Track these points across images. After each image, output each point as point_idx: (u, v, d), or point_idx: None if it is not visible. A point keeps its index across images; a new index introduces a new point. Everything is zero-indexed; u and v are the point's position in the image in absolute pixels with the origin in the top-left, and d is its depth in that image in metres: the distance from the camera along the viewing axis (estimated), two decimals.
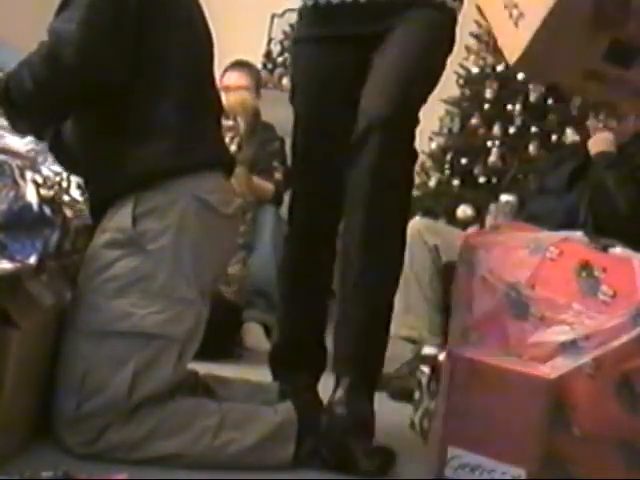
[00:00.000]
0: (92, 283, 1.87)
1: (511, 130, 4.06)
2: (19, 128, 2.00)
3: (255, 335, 3.31)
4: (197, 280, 1.92)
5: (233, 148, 3.09)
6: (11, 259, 1.69)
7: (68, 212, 1.88)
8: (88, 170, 1.99)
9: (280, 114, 4.08)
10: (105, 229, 1.90)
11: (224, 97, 3.17)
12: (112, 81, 1.88)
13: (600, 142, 2.95)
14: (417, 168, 4.33)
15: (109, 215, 1.92)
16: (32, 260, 1.72)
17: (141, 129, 1.92)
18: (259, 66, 4.65)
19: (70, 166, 2.06)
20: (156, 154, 1.91)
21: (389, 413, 2.67)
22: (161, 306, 1.86)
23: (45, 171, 1.91)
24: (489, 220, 2.90)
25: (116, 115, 1.93)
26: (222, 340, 2.96)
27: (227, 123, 3.12)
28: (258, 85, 3.96)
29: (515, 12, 1.94)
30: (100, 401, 1.81)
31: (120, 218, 1.88)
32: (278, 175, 3.79)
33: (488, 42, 4.26)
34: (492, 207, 3.15)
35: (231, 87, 3.77)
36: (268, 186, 3.79)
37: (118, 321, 1.83)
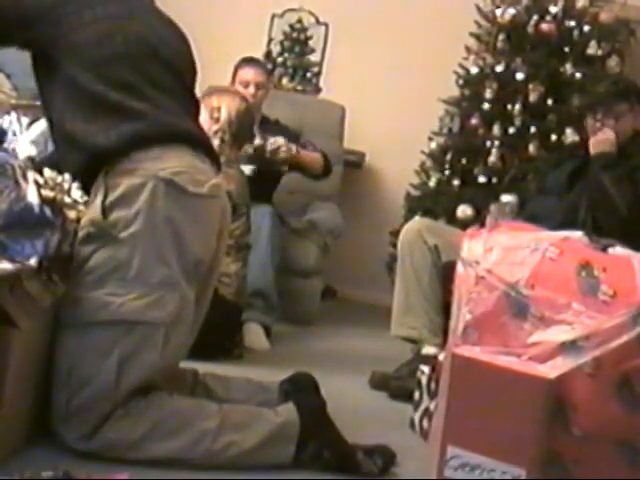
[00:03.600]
0: (74, 280, 1.89)
1: (511, 130, 4.05)
2: None
3: (255, 335, 3.31)
4: (178, 262, 1.92)
5: (215, 142, 3.06)
6: (11, 260, 1.69)
7: (70, 213, 1.88)
8: (57, 146, 2.03)
9: (280, 114, 4.11)
10: (82, 226, 1.91)
11: (214, 97, 3.19)
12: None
13: (600, 143, 2.95)
14: (417, 168, 4.40)
15: (85, 211, 1.93)
16: (32, 261, 1.72)
17: (88, 109, 1.95)
18: None
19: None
20: (113, 127, 1.93)
21: (389, 413, 2.68)
22: (140, 292, 1.86)
23: (47, 172, 1.92)
24: (489, 220, 2.89)
25: (75, 96, 1.97)
26: (222, 340, 2.96)
27: (214, 116, 3.13)
28: (269, 82, 4.04)
29: None
30: (88, 393, 1.82)
31: (91, 212, 1.90)
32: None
33: (488, 42, 4.26)
34: (492, 207, 3.15)
35: (250, 82, 3.82)
36: (316, 155, 3.83)
37: (97, 311, 1.84)
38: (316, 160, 3.85)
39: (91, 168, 1.93)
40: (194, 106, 2.22)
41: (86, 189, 1.99)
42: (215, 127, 3.10)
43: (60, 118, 1.99)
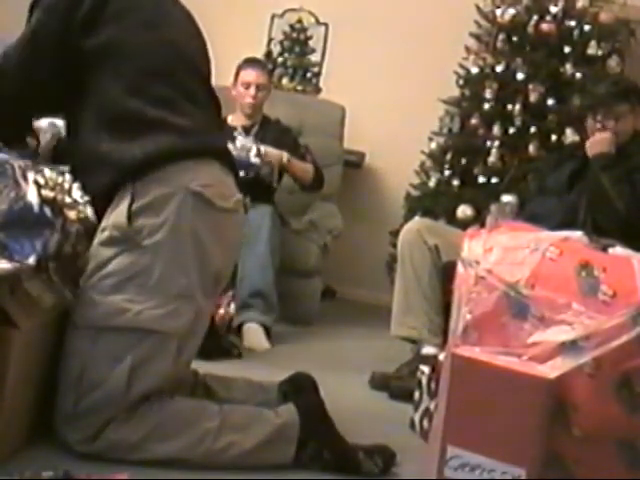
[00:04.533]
0: (90, 281, 1.88)
1: (511, 130, 4.05)
2: None
3: (255, 336, 3.31)
4: (198, 274, 1.92)
5: None
6: (10, 259, 1.69)
7: (70, 214, 1.88)
8: (84, 168, 1.99)
9: (280, 114, 4.11)
10: (104, 228, 1.91)
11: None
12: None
13: (597, 144, 2.95)
14: (417, 168, 4.40)
15: (107, 214, 1.93)
16: (31, 260, 1.72)
17: (130, 124, 1.93)
18: None
19: (71, 167, 2.07)
20: (147, 143, 1.91)
21: (389, 413, 2.68)
22: (157, 301, 1.86)
23: (47, 172, 1.91)
24: (489, 220, 2.89)
25: (98, 114, 1.95)
26: (213, 338, 2.97)
27: None
28: (271, 83, 4.05)
29: None
30: (97, 397, 1.82)
31: (117, 216, 1.89)
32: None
33: (488, 42, 4.26)
34: (492, 207, 3.15)
35: (251, 83, 3.83)
36: (308, 166, 3.83)
37: (114, 316, 1.83)
38: (306, 171, 3.83)
39: (123, 182, 1.92)
40: (219, 115, 2.22)
41: (105, 203, 1.96)
42: None
43: (94, 139, 1.96)
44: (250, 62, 3.93)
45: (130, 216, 1.87)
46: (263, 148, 3.61)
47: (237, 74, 3.90)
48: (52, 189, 1.84)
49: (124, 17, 1.99)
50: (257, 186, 3.51)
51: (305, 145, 3.96)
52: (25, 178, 1.77)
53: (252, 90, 3.82)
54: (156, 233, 1.87)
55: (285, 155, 3.71)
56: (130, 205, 1.88)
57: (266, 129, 3.86)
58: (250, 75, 3.85)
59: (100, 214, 1.96)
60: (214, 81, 3.86)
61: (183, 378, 2.14)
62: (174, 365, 1.91)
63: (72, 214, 1.88)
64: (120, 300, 1.85)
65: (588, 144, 2.99)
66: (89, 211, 1.97)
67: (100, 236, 1.91)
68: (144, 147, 1.91)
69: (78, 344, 1.85)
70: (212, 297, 2.02)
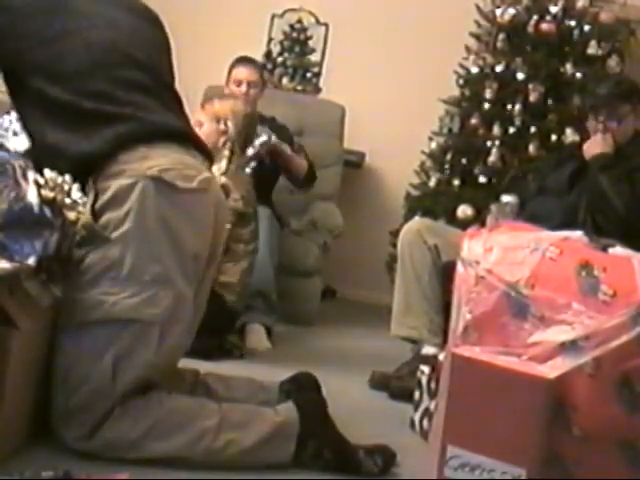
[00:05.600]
0: (70, 282, 1.89)
1: (511, 130, 4.06)
2: None
3: (257, 336, 3.32)
4: (173, 259, 1.92)
5: (226, 153, 3.12)
6: (10, 259, 1.69)
7: (70, 215, 1.88)
8: (42, 161, 1.98)
9: (280, 114, 4.11)
10: (77, 230, 1.91)
11: (217, 102, 3.23)
12: None
13: (594, 145, 2.95)
14: (417, 168, 4.40)
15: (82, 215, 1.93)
16: (31, 261, 1.72)
17: (66, 119, 1.95)
18: None
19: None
20: (95, 134, 1.92)
21: (389, 413, 2.68)
22: (132, 290, 1.86)
23: (47, 172, 1.92)
24: (489, 220, 2.89)
25: (39, 108, 1.97)
26: (217, 341, 2.97)
27: (219, 127, 3.16)
28: (264, 80, 4.04)
29: None
30: (85, 393, 1.82)
31: (83, 217, 1.90)
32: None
33: (488, 42, 4.26)
34: (492, 207, 3.15)
35: (242, 80, 3.85)
36: (302, 162, 3.86)
37: (92, 311, 1.84)
38: (301, 165, 3.87)
39: (79, 176, 1.92)
40: (176, 101, 2.19)
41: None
42: (222, 139, 3.14)
43: (40, 132, 1.98)
44: (242, 60, 3.96)
45: (94, 214, 1.88)
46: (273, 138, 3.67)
47: (229, 73, 3.93)
48: (52, 189, 1.84)
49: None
50: (256, 187, 3.51)
51: (300, 144, 3.97)
52: (25, 178, 1.77)
53: (244, 87, 3.85)
54: (122, 224, 1.88)
55: (288, 150, 3.76)
56: (93, 204, 1.89)
57: (261, 127, 3.87)
58: (242, 73, 3.89)
59: None
60: (217, 81, 3.87)
61: (182, 376, 2.14)
62: (158, 353, 1.90)
63: (72, 215, 1.88)
64: (96, 294, 1.85)
65: (586, 146, 2.99)
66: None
67: (74, 240, 1.91)
68: (90, 140, 1.92)
69: (62, 343, 1.87)
70: (194, 280, 2.00)
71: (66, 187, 1.93)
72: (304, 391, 2.10)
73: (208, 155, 2.14)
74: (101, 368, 1.83)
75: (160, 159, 1.94)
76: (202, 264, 2.04)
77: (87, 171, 1.92)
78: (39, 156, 1.97)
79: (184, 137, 2.07)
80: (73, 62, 1.99)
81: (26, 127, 2.04)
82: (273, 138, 3.71)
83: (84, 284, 1.86)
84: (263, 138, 3.64)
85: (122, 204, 1.88)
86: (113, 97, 1.99)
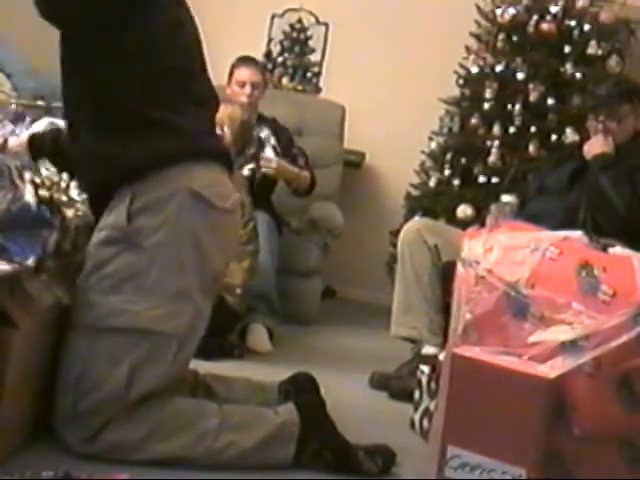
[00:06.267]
0: (88, 281, 1.88)
1: (511, 130, 4.05)
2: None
3: (259, 337, 3.32)
4: (197, 274, 1.92)
5: None
6: (10, 260, 1.69)
7: (68, 212, 1.88)
8: (87, 165, 1.97)
9: (280, 114, 4.10)
10: (102, 227, 1.91)
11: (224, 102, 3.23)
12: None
13: (594, 145, 2.95)
14: (417, 168, 4.40)
15: (106, 213, 1.92)
16: (31, 262, 1.72)
17: (132, 124, 1.91)
18: None
19: (70, 165, 2.07)
20: (148, 144, 1.90)
21: (389, 413, 2.68)
22: (156, 302, 1.86)
23: (44, 171, 1.92)
24: (489, 220, 2.89)
25: (110, 112, 1.92)
26: (218, 341, 2.97)
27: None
28: (265, 80, 4.00)
29: None
30: (97, 398, 1.82)
31: (116, 216, 1.89)
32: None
33: (488, 42, 4.26)
34: (492, 207, 3.15)
35: (246, 82, 3.81)
36: (305, 175, 3.83)
37: (112, 317, 1.83)
38: (304, 180, 3.83)
39: (122, 182, 1.91)
40: (217, 107, 2.20)
41: (103, 202, 1.95)
42: None
43: (93, 139, 1.94)
44: (244, 60, 3.91)
45: (130, 216, 1.87)
46: (264, 157, 3.65)
47: (231, 73, 3.89)
48: (49, 188, 1.84)
49: (161, 8, 1.96)
50: (256, 191, 3.51)
51: (300, 147, 3.94)
52: (22, 178, 1.77)
53: (247, 89, 3.80)
54: (155, 234, 1.87)
55: (287, 166, 3.72)
56: (130, 205, 1.87)
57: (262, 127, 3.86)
58: (244, 74, 3.84)
59: (97, 213, 1.96)
60: (218, 81, 3.88)
61: (183, 377, 2.14)
62: (173, 366, 1.91)
63: (70, 212, 1.88)
64: (119, 301, 1.84)
65: (586, 146, 2.99)
66: (86, 209, 1.96)
67: (98, 235, 1.91)
68: (145, 149, 1.90)
69: (77, 345, 1.85)
70: (211, 297, 2.02)
71: (63, 185, 1.93)
72: (303, 392, 2.10)
73: (232, 173, 2.15)
74: (117, 376, 1.83)
75: (202, 175, 1.95)
76: (220, 283, 2.07)
77: (132, 176, 1.90)
78: (82, 161, 1.95)
79: (224, 157, 2.08)
80: (161, 60, 1.96)
81: (76, 131, 1.99)
82: (276, 160, 3.66)
83: (106, 288, 1.85)
84: (268, 157, 3.62)
85: (158, 213, 1.88)
86: (177, 106, 1.96)
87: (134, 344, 1.84)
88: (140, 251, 1.86)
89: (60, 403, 1.85)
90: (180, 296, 1.89)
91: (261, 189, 3.67)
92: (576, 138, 3.82)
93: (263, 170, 3.61)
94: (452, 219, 3.91)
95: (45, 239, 1.76)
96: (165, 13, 1.98)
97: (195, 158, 1.96)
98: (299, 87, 4.94)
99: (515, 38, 4.16)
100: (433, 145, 4.35)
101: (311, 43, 4.97)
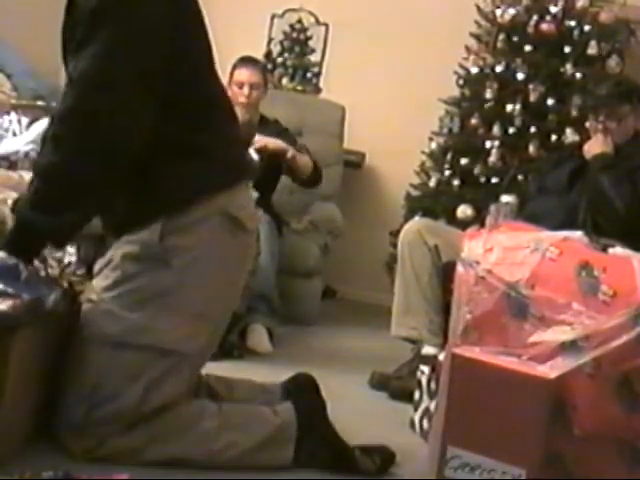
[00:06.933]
0: (110, 292, 1.85)
1: (511, 130, 4.05)
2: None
3: (259, 338, 3.32)
4: (220, 296, 1.93)
5: None
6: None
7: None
8: (118, 198, 1.91)
9: (280, 114, 4.10)
10: (130, 240, 1.87)
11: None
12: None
13: (594, 145, 2.95)
14: (417, 168, 4.40)
15: (136, 229, 1.87)
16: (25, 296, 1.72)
17: (168, 153, 1.87)
18: None
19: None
20: (187, 175, 1.87)
21: (389, 413, 2.68)
22: (178, 322, 1.85)
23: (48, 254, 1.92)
24: (489, 220, 2.89)
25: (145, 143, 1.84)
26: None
27: None
28: (266, 81, 3.97)
29: None
30: (110, 410, 1.81)
31: (148, 232, 1.85)
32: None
33: (488, 42, 4.26)
34: (492, 207, 3.15)
35: (244, 82, 3.78)
36: (306, 159, 3.78)
37: (135, 334, 1.82)
38: (306, 164, 3.79)
39: (154, 215, 1.86)
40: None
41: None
42: None
43: (145, 169, 1.86)
44: (244, 61, 3.89)
45: (162, 235, 1.84)
46: (258, 138, 3.59)
47: (231, 74, 3.86)
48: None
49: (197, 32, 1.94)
50: (256, 191, 3.51)
51: (304, 145, 3.94)
52: None
53: (246, 89, 3.77)
54: (186, 254, 1.85)
55: (291, 151, 3.69)
56: (164, 225, 1.84)
57: (264, 129, 3.85)
58: (243, 74, 3.81)
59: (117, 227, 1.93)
60: None
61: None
62: (188, 382, 1.92)
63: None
64: (142, 317, 1.83)
65: (586, 146, 2.99)
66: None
67: (124, 248, 1.87)
68: (186, 178, 1.86)
69: (94, 356, 1.83)
70: (229, 314, 2.03)
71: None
72: (303, 393, 2.10)
73: None
74: (132, 391, 1.82)
75: (237, 196, 1.94)
76: (238, 299, 2.08)
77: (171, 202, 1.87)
78: (131, 194, 1.89)
79: (249, 169, 2.11)
80: (204, 87, 1.95)
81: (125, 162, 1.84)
82: (273, 140, 3.65)
83: (130, 303, 1.83)
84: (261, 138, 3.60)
85: (192, 233, 1.86)
86: (216, 130, 1.93)
87: (152, 362, 1.84)
88: (168, 270, 1.84)
89: (70, 412, 1.83)
90: (201, 318, 1.89)
91: (262, 189, 3.66)
92: (576, 138, 3.82)
93: (256, 146, 3.53)
94: (452, 219, 3.91)
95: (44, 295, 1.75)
96: (199, 43, 1.95)
97: (229, 182, 1.94)
98: (299, 87, 4.94)
99: (515, 38, 4.16)
100: (433, 145, 4.35)
101: (311, 43, 4.97)
